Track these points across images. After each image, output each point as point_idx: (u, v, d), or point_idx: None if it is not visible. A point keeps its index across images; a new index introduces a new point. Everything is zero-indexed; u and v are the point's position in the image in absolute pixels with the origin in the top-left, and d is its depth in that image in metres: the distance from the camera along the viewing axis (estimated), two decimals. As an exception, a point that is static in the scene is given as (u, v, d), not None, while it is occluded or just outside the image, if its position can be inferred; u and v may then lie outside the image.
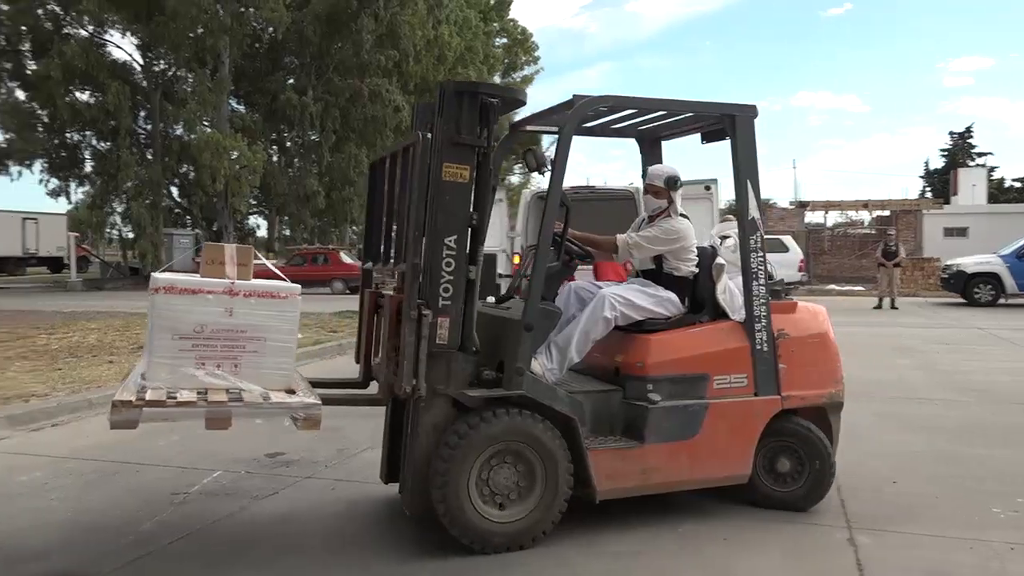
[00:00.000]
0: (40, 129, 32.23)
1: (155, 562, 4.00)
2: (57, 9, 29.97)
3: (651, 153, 5.32)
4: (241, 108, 33.86)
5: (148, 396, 3.56)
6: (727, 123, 4.52)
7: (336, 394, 4.29)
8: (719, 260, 4.72)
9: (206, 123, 29.81)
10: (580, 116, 4.21)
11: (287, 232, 40.33)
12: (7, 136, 32.33)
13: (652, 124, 5.06)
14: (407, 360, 3.90)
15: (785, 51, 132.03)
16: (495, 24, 41.10)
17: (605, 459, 4.22)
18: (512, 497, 4.10)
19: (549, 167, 4.16)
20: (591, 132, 5.18)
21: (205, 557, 4.08)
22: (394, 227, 4.43)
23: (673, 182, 4.67)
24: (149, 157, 31.67)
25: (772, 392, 4.54)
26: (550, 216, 4.13)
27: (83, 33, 30.48)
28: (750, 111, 4.53)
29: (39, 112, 31.77)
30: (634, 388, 4.41)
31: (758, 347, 4.52)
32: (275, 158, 27.08)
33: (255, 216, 39.82)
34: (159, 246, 29.73)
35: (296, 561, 4.02)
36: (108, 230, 34.79)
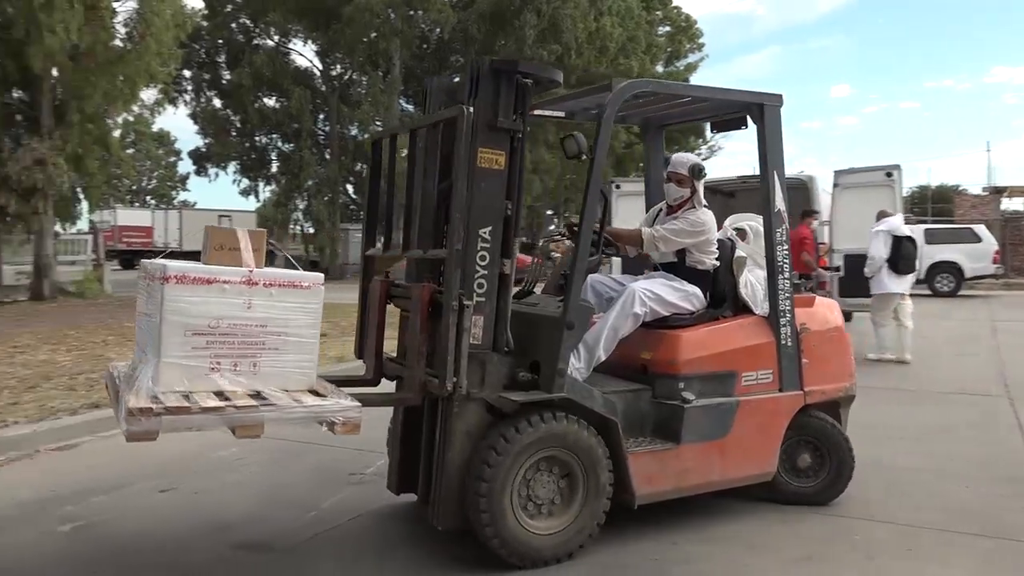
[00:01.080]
0: (233, 134, 35.08)
1: (334, 537, 4.23)
2: (248, 22, 33.12)
3: (654, 140, 5.15)
4: (410, 107, 33.40)
5: (169, 402, 3.11)
6: (755, 112, 4.39)
7: (366, 395, 3.90)
8: (740, 253, 4.60)
9: (378, 123, 30.38)
10: (620, 101, 3.97)
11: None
12: (206, 141, 35.51)
13: (664, 111, 4.88)
14: (450, 356, 3.58)
15: (975, 24, 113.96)
16: (658, 12, 39.57)
17: (644, 462, 4.02)
18: (553, 507, 3.85)
19: (587, 154, 3.90)
20: (593, 116, 4.93)
21: (380, 534, 4.27)
22: (414, 211, 4.08)
23: (698, 171, 4.50)
24: (327, 157, 33.81)
25: (796, 388, 4.47)
26: (591, 208, 3.89)
27: (270, 43, 33.76)
28: (776, 100, 4.41)
29: (232, 118, 34.81)
30: (665, 387, 4.23)
31: (783, 342, 4.43)
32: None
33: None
34: (336, 240, 32.03)
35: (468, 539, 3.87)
36: (291, 226, 38.67)
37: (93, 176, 19.96)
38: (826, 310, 4.78)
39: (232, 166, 36.14)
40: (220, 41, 33.37)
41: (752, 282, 4.54)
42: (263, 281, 3.41)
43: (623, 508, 4.02)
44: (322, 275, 3.62)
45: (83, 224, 29.68)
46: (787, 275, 4.44)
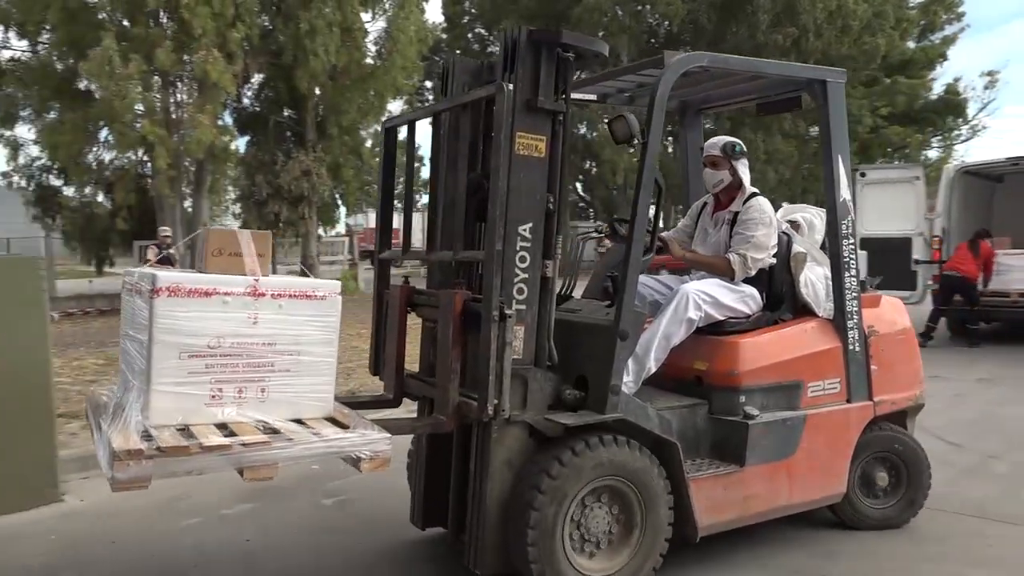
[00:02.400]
0: None
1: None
2: (483, 31, 32.64)
3: (693, 125, 4.65)
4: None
5: (164, 440, 2.59)
6: (817, 89, 3.90)
7: (391, 420, 3.38)
8: (798, 248, 4.12)
9: (605, 119, 28.39)
10: (675, 76, 3.46)
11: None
12: None
13: (706, 92, 4.39)
14: (491, 374, 3.08)
15: None
16: (909, -18, 35.74)
17: (706, 489, 3.53)
18: (606, 544, 3.35)
19: (640, 139, 3.40)
20: (631, 100, 4.44)
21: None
22: (439, 207, 3.58)
23: (732, 148, 4.00)
24: None
25: (865, 397, 4.00)
26: (644, 199, 3.39)
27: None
28: (840, 76, 3.93)
29: None
30: (724, 401, 3.75)
31: (851, 347, 3.96)
32: (670, 149, 24.96)
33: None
34: (567, 239, 29.75)
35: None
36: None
37: (349, 183, 21.59)
38: (893, 310, 4.31)
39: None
40: (458, 52, 32.29)
41: (812, 281, 4.06)
42: (271, 292, 2.90)
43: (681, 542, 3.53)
44: (338, 283, 3.10)
45: (340, 227, 31.00)
46: (854, 272, 3.97)
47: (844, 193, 3.95)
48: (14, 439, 4.43)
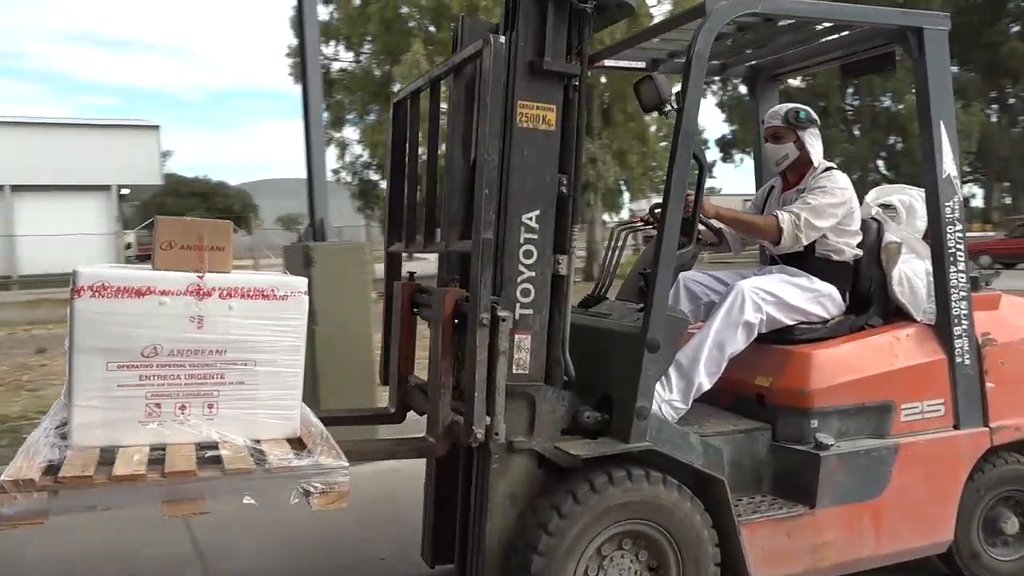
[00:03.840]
0: None
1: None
2: None
3: (766, 97, 3.94)
4: (953, 68, 32.88)
5: (68, 470, 2.17)
6: (911, 41, 3.14)
7: (368, 443, 2.90)
8: (891, 238, 3.37)
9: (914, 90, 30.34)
10: (717, 28, 2.81)
11: (1007, 200, 38.36)
12: (732, 127, 34.92)
13: (778, 53, 3.68)
14: (477, 390, 2.54)
15: None
16: None
17: (764, 535, 2.87)
18: (635, 603, 2.74)
19: (674, 104, 2.78)
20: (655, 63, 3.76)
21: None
22: (439, 190, 3.08)
23: (796, 115, 3.30)
24: (855, 133, 32.11)
25: (978, 422, 3.20)
26: (678, 178, 2.75)
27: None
28: (942, 22, 3.15)
29: None
30: (791, 425, 3.06)
31: (959, 360, 3.17)
32: (994, 118, 24.54)
33: (969, 184, 36.86)
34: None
35: None
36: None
37: (633, 169, 21.98)
38: (1017, 313, 3.47)
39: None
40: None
41: (909, 277, 3.29)
42: (219, 290, 2.44)
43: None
44: (304, 280, 2.61)
45: (624, 213, 31.26)
46: (962, 266, 3.19)
47: (949, 168, 3.17)
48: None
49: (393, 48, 19.35)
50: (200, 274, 2.44)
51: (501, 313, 2.56)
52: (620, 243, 3.46)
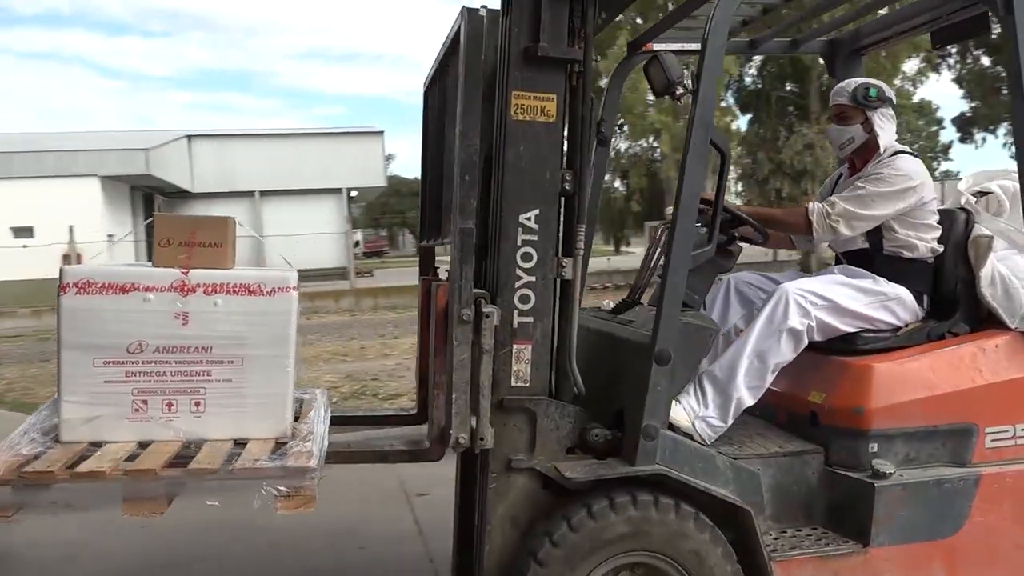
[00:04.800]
0: (1003, 92, 28.60)
1: None
2: None
3: (850, 74, 3.49)
4: None
5: (34, 465, 2.17)
6: (999, 2, 2.65)
7: (364, 445, 2.79)
8: (981, 230, 2.88)
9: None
10: (732, 7, 2.48)
11: None
12: (972, 104, 31.37)
13: (856, 25, 3.25)
14: (457, 391, 2.38)
15: None
16: None
17: (803, 575, 2.50)
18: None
19: (687, 87, 2.48)
20: (751, 45, 3.41)
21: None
22: (445, 181, 2.94)
23: (864, 92, 2.88)
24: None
25: (1087, 450, 2.67)
26: (694, 170, 2.45)
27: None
28: (1035, -26, 2.64)
29: (1002, 75, 28.18)
30: (845, 449, 2.67)
31: (1063, 376, 2.66)
32: None
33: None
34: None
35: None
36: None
37: None
38: None
39: (1002, 128, 30.50)
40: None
41: (1003, 277, 2.80)
42: (203, 286, 2.40)
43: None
44: (293, 276, 2.53)
45: None
46: (1066, 264, 2.67)
47: (1047, 146, 2.66)
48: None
49: (599, 44, 19.63)
50: (185, 270, 2.41)
51: (486, 309, 2.37)
52: (663, 242, 3.16)
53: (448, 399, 2.42)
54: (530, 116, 2.46)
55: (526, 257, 2.47)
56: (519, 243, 2.47)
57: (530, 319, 2.48)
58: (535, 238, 2.48)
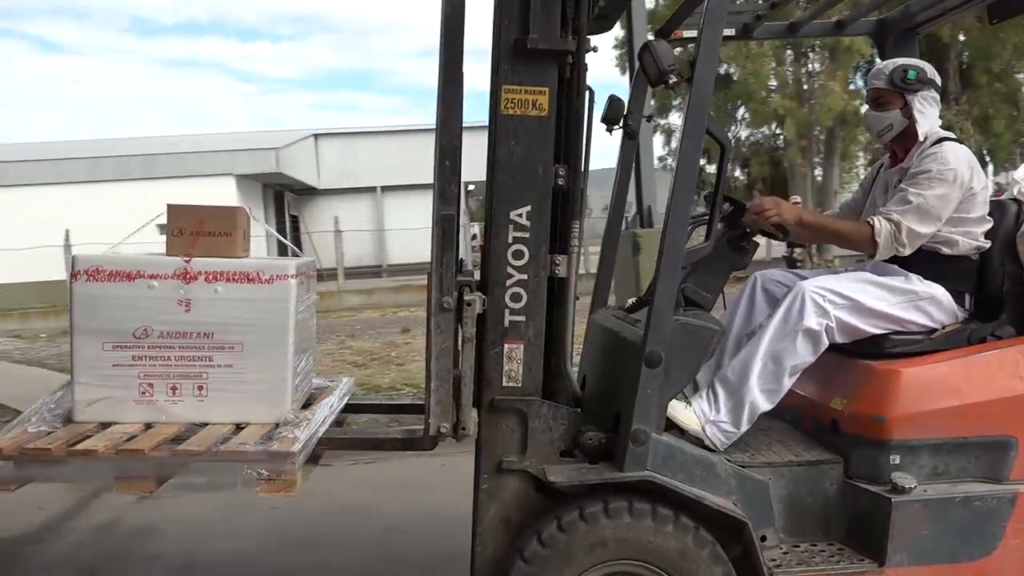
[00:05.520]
0: None
1: None
2: None
3: (901, 55, 3.24)
4: None
5: (41, 442, 2.31)
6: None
7: (351, 433, 2.81)
8: (1033, 223, 2.61)
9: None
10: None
11: None
12: None
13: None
14: (436, 379, 2.36)
15: None
16: None
17: (807, 594, 2.34)
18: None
19: (680, 75, 2.36)
20: (793, 29, 3.21)
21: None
22: None
23: (903, 75, 2.66)
24: None
25: None
26: (688, 159, 2.34)
27: None
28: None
29: None
30: (865, 460, 2.48)
31: (1120, 385, 2.37)
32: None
33: None
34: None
35: None
36: None
37: (1000, 136, 19.70)
38: None
39: None
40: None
41: (1057, 275, 2.53)
42: (205, 274, 2.50)
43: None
44: (292, 264, 2.57)
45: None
46: None
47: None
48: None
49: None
50: (187, 258, 2.50)
51: (467, 297, 2.34)
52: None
53: (427, 388, 2.39)
54: (521, 110, 2.40)
55: (517, 255, 2.42)
56: (510, 240, 2.42)
57: (522, 318, 2.43)
58: (527, 235, 2.42)
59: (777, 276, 2.91)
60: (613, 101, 2.83)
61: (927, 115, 2.68)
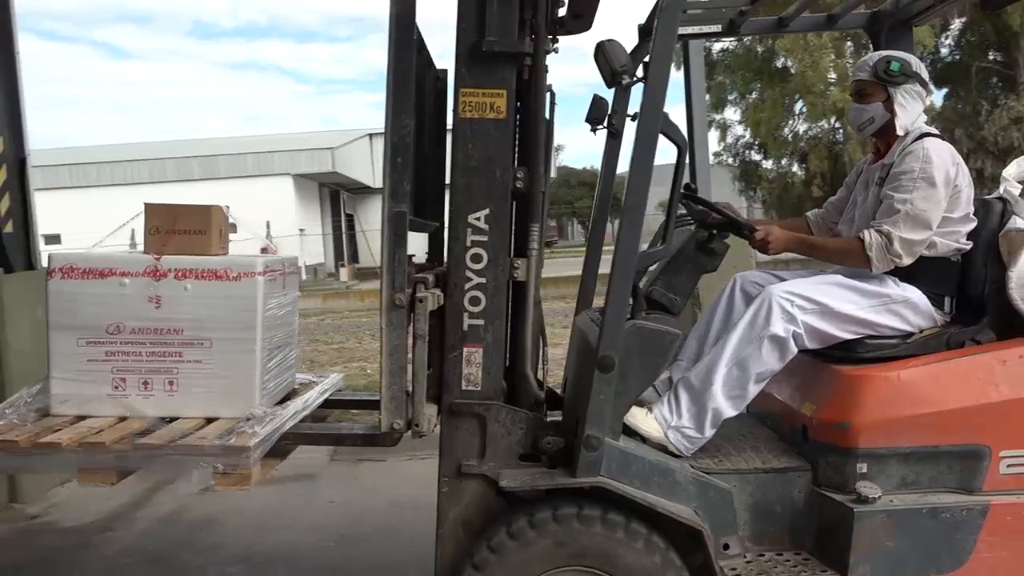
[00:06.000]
0: None
1: None
2: None
3: (897, 47, 3.13)
4: None
5: (4, 433, 2.42)
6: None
7: (316, 428, 2.84)
8: (1016, 223, 2.50)
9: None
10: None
11: None
12: None
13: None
14: (387, 374, 2.37)
15: None
16: None
17: (765, 606, 2.29)
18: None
19: (629, 76, 2.33)
20: (782, 23, 3.13)
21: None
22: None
23: (886, 66, 2.56)
24: None
25: None
26: (642, 163, 2.30)
27: None
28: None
29: None
30: (832, 468, 2.41)
31: (1102, 394, 2.26)
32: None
33: None
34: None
35: None
36: None
37: None
38: None
39: None
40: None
41: (1041, 277, 2.42)
42: (174, 271, 2.58)
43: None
44: (260, 261, 2.62)
45: None
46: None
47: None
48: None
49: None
50: (157, 256, 2.58)
51: (420, 294, 2.34)
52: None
53: (381, 385, 2.40)
54: (479, 113, 2.39)
55: (476, 258, 2.42)
56: (468, 244, 2.41)
57: (481, 321, 2.43)
58: (485, 239, 2.41)
59: (757, 277, 2.84)
60: (597, 101, 2.78)
61: (909, 109, 2.59)
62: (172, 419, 2.56)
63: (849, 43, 18.98)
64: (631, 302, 2.51)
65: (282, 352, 2.85)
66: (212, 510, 4.36)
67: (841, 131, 20.93)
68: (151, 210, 2.71)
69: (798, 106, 21.40)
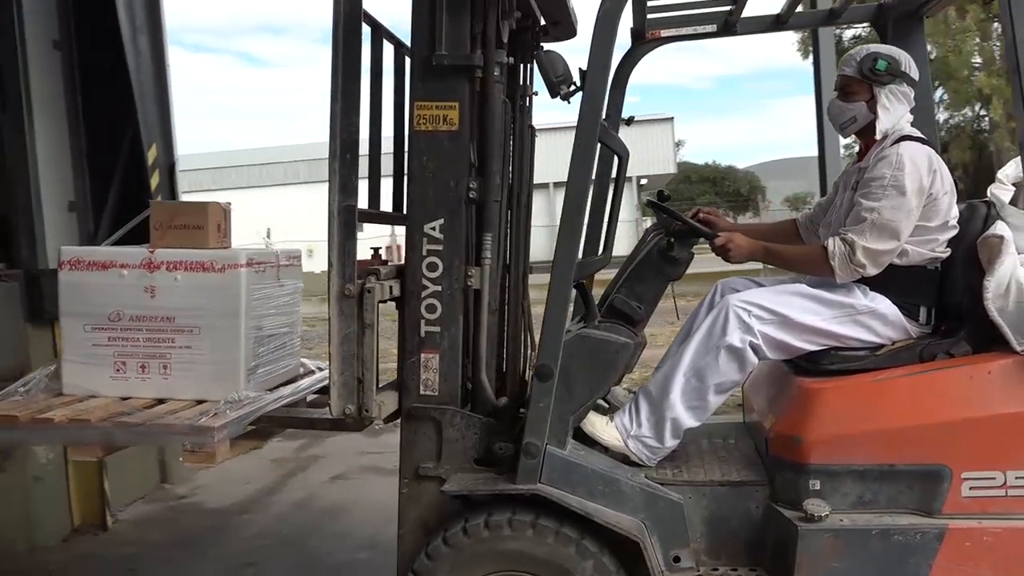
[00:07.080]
0: None
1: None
2: None
3: (908, 43, 2.95)
4: None
5: (10, 409, 2.68)
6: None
7: (298, 414, 2.97)
8: (996, 230, 2.33)
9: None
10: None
11: None
12: None
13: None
14: (335, 361, 2.42)
15: None
16: None
17: (705, 623, 2.24)
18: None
19: (567, 86, 2.33)
20: (778, 20, 3.02)
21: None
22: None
23: (872, 64, 2.43)
24: None
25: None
26: (581, 171, 2.29)
27: None
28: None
29: None
30: (787, 484, 2.32)
31: (1076, 414, 2.08)
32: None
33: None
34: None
35: None
36: None
37: None
38: None
39: None
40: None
41: (1021, 286, 2.24)
42: (166, 264, 2.79)
43: None
44: (243, 254, 2.78)
45: None
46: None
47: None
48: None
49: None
50: (152, 249, 2.81)
51: (368, 285, 2.39)
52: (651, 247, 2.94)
53: (331, 372, 2.49)
54: (433, 126, 2.46)
55: (431, 267, 2.48)
56: (424, 252, 2.48)
57: (437, 328, 2.49)
58: (440, 248, 2.47)
59: (737, 284, 2.76)
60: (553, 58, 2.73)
61: (892, 111, 2.45)
62: (162, 400, 2.76)
63: (996, 24, 17.76)
64: (585, 310, 2.52)
65: (278, 340, 3.01)
66: (342, 498, 4.62)
67: (987, 119, 19.51)
68: (156, 207, 2.98)
69: (938, 93, 20.17)
